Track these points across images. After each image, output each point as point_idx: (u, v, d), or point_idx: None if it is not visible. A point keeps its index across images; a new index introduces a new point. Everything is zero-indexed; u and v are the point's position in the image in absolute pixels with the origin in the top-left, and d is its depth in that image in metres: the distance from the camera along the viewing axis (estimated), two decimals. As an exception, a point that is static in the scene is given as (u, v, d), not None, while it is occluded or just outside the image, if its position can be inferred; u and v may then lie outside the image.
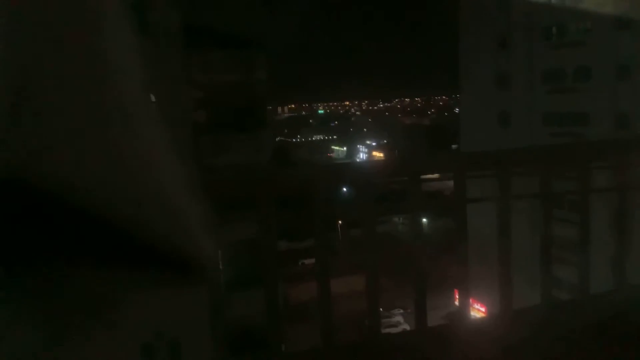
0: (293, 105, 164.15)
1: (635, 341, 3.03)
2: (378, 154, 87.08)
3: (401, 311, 31.73)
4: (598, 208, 3.78)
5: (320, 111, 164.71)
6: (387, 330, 24.88)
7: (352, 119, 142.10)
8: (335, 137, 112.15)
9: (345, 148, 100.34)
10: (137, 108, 0.62)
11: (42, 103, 0.52)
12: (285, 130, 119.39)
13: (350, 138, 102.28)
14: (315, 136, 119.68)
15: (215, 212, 2.84)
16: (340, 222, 44.89)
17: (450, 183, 3.42)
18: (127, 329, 0.66)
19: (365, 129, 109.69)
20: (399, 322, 30.92)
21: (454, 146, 62.13)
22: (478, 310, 25.67)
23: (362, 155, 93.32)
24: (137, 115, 0.62)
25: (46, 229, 0.52)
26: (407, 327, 29.27)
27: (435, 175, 3.63)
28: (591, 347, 2.99)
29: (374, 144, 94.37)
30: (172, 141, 0.68)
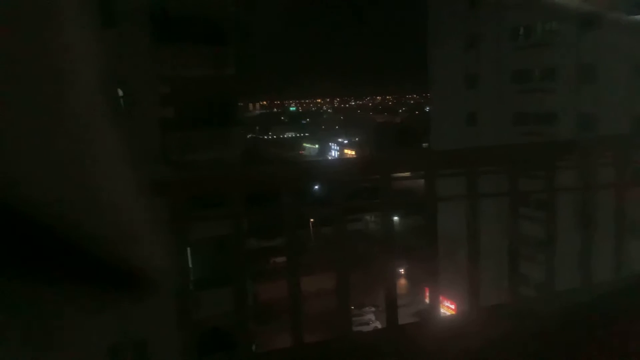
0: (265, 102, 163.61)
1: (601, 337, 3.09)
2: (349, 152, 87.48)
3: (372, 309, 32.00)
4: (564, 206, 3.86)
5: (292, 108, 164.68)
6: (359, 328, 25.06)
7: (324, 116, 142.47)
8: (307, 134, 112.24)
9: (316, 145, 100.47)
10: (99, 104, 0.58)
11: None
12: (257, 127, 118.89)
13: (321, 135, 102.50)
14: (287, 133, 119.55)
15: (184, 210, 2.77)
16: (312, 220, 44.98)
17: (421, 181, 3.44)
18: (94, 331, 0.63)
19: (337, 127, 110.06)
20: (370, 320, 31.19)
21: (424, 144, 62.86)
22: (448, 308, 26.07)
23: (333, 153, 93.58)
24: (99, 113, 0.58)
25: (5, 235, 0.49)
26: (379, 325, 29.53)
27: (406, 174, 3.63)
28: (558, 343, 3.05)
29: (345, 141, 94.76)
30: (136, 138, 0.65)
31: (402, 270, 37.58)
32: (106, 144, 0.58)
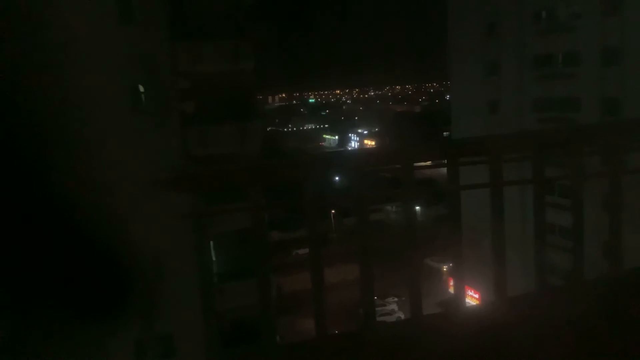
0: (284, 95, 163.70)
1: (628, 327, 3.03)
2: (369, 142, 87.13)
3: (395, 299, 31.96)
4: (591, 193, 3.77)
5: (311, 100, 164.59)
6: (382, 318, 25.09)
7: (344, 107, 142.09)
8: (326, 125, 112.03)
9: (336, 137, 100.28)
10: (121, 100, 0.59)
11: (22, 96, 0.48)
12: (276, 120, 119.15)
13: (341, 126, 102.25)
14: (306, 125, 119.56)
15: (205, 203, 2.78)
16: (333, 211, 45.02)
17: (442, 170, 3.39)
18: (119, 324, 0.63)
19: (356, 117, 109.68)
20: (393, 310, 31.18)
21: (445, 133, 62.25)
22: (471, 297, 25.89)
23: (353, 144, 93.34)
24: (120, 106, 0.58)
25: (31, 232, 0.49)
26: (402, 315, 29.48)
27: (427, 163, 3.58)
28: (585, 332, 2.99)
29: (365, 132, 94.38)
30: (158, 132, 0.65)
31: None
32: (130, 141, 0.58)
